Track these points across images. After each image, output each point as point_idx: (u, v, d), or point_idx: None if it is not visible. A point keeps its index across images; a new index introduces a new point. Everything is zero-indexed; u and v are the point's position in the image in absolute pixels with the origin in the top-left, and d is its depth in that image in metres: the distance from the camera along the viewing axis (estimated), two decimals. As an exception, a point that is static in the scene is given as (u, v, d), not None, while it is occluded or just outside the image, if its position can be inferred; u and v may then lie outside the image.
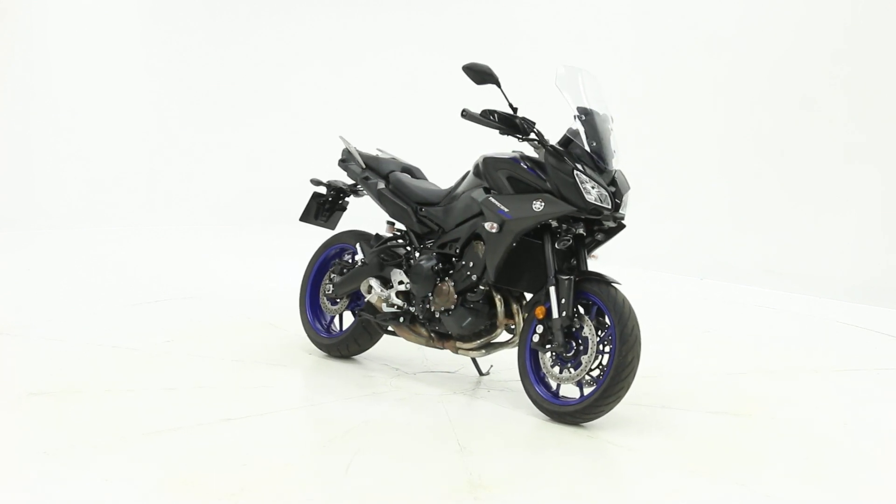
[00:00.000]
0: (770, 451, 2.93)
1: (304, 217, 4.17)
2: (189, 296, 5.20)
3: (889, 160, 6.28)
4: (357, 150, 3.98)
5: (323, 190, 4.17)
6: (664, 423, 3.19)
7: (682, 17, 7.42)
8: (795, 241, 6.71)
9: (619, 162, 3.25)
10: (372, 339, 3.88)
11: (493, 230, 3.22)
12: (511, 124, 3.20)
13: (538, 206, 3.10)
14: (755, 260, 6.91)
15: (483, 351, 3.43)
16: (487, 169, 3.33)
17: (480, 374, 3.73)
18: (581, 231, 3.15)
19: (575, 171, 3.05)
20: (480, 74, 3.17)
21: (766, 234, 6.91)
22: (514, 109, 3.22)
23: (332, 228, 4.17)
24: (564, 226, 3.15)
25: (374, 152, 4.00)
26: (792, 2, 6.83)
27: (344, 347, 3.89)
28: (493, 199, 3.26)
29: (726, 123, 7.19)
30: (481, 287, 3.32)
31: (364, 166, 3.90)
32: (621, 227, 3.24)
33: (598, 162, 3.11)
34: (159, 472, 2.54)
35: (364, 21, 9.68)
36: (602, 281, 3.08)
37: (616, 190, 3.12)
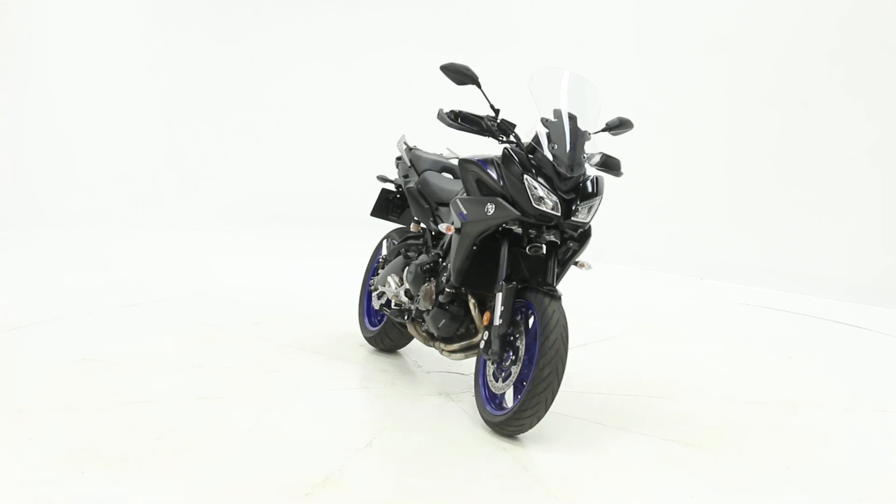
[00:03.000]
0: (656, 484, 2.73)
1: (376, 212, 4.21)
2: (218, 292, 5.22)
3: (890, 160, 6.28)
4: (407, 148, 3.98)
5: (391, 186, 4.22)
6: (598, 445, 3.04)
7: (683, 16, 7.42)
8: (795, 241, 6.72)
9: (592, 165, 3.12)
10: (403, 336, 3.95)
11: (449, 232, 3.22)
12: (479, 127, 3.11)
13: (489, 209, 3.03)
14: (755, 260, 6.91)
15: (462, 355, 3.38)
16: (461, 171, 3.31)
17: None
18: (552, 238, 3.04)
19: (524, 177, 2.95)
20: (459, 75, 3.08)
21: (766, 234, 6.91)
22: (496, 111, 3.15)
23: (408, 224, 4.21)
24: (532, 232, 3.05)
25: (442, 151, 4.02)
26: (791, 2, 6.84)
27: (379, 341, 4.05)
28: (457, 201, 3.23)
29: (726, 123, 7.19)
30: (447, 290, 3.31)
31: (409, 164, 3.92)
32: (588, 234, 3.12)
33: (556, 167, 2.99)
34: (79, 438, 2.76)
35: (364, 21, 9.68)
36: (540, 291, 2.96)
37: (574, 197, 2.99)
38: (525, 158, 3.04)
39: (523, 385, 2.93)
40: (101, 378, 3.43)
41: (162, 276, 5.81)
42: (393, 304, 3.73)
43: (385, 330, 3.98)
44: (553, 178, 2.98)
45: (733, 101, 7.14)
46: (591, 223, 3.13)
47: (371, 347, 4.15)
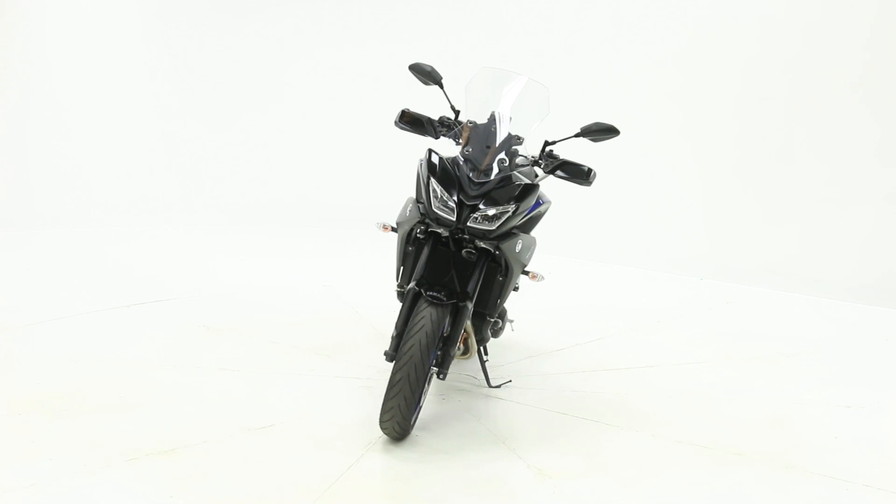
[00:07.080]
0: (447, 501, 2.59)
1: None
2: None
3: (891, 160, 6.28)
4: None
5: None
6: (458, 460, 2.87)
7: (684, 16, 7.42)
8: (795, 241, 6.71)
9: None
10: None
11: (385, 232, 3.28)
12: (423, 128, 3.09)
13: (409, 209, 3.08)
14: (755, 260, 6.91)
15: None
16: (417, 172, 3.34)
17: (489, 385, 3.60)
18: (484, 245, 2.95)
19: (430, 179, 2.90)
20: (424, 75, 3.13)
21: (765, 234, 6.91)
22: (457, 112, 3.15)
23: None
24: (462, 236, 2.96)
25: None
26: (800, 5, 6.83)
27: None
28: (406, 202, 3.27)
29: (727, 123, 7.19)
30: (397, 289, 3.34)
31: None
32: (502, 239, 2.97)
33: (468, 171, 2.91)
34: (56, 392, 3.14)
35: (364, 22, 9.68)
36: (426, 296, 2.86)
37: (476, 204, 2.87)
38: (446, 161, 2.97)
39: None
40: (106, 363, 3.45)
41: (162, 276, 5.81)
42: None
43: None
44: (464, 182, 2.90)
45: (734, 100, 7.13)
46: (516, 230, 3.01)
47: None
